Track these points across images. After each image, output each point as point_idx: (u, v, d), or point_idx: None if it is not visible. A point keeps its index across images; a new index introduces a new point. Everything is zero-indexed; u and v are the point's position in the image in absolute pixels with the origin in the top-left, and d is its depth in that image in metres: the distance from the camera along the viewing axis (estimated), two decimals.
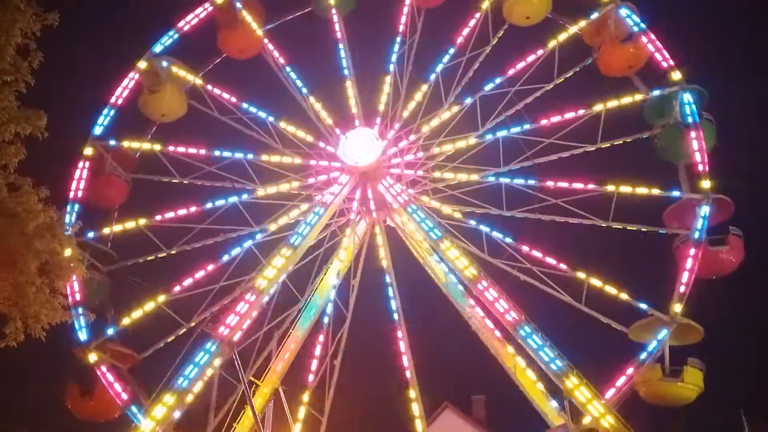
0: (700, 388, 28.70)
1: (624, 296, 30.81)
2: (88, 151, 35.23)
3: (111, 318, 33.22)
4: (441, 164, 35.04)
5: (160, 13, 39.93)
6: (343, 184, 34.37)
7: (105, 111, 36.25)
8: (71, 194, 34.36)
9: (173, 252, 34.74)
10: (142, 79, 36.43)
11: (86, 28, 42.42)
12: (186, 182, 35.76)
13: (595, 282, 31.06)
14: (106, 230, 34.75)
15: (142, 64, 36.50)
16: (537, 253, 31.99)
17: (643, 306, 30.34)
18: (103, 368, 31.55)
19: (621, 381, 29.28)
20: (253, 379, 31.94)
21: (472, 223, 33.53)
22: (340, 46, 36.75)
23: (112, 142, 35.82)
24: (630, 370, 29.41)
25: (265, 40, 37.52)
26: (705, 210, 30.67)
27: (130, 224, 34.85)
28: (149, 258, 34.69)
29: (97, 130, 35.83)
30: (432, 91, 35.60)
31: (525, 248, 32.16)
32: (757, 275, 31.75)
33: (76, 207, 34.20)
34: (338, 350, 32.52)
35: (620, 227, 32.19)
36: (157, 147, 36.16)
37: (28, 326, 17.31)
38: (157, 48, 36.99)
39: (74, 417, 31.27)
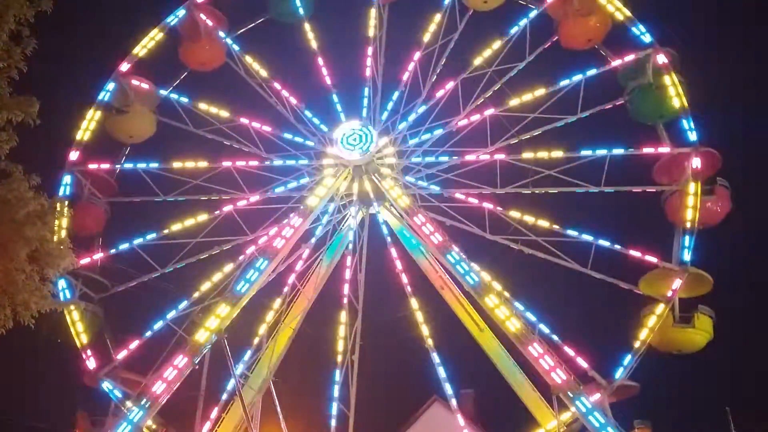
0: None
1: (634, 252, 31.41)
2: (67, 178, 34.44)
3: (112, 345, 32.98)
4: (436, 174, 35.09)
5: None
6: (336, 175, 34.30)
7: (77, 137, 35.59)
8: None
9: (169, 269, 34.42)
10: (111, 98, 35.92)
11: (80, 14, 42.20)
12: (169, 199, 35.27)
13: (604, 242, 31.62)
14: (96, 256, 34.27)
15: (111, 85, 35.95)
16: (544, 222, 32.34)
17: (653, 259, 30.98)
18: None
19: (644, 334, 29.75)
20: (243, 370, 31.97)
21: (475, 201, 33.61)
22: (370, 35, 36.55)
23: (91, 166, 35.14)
24: (651, 321, 29.76)
25: (236, 48, 37.15)
26: (696, 162, 31.38)
27: (123, 246, 34.51)
28: (144, 279, 34.20)
29: (73, 156, 35.04)
30: (411, 82, 35.66)
31: (529, 219, 32.44)
32: (742, 274, 31.85)
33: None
34: (354, 346, 32.62)
35: (612, 190, 32.78)
36: (142, 165, 35.66)
37: (18, 314, 17.25)
38: (124, 68, 36.38)
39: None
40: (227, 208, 34.65)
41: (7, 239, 16.63)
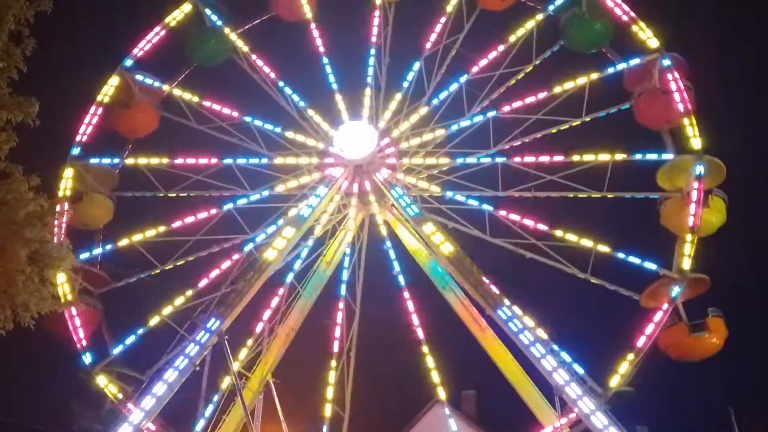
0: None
1: (633, 258, 31.38)
2: (68, 172, 34.39)
3: (110, 340, 32.98)
4: (434, 150, 34.96)
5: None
6: (337, 175, 34.21)
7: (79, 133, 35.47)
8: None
9: (170, 195, 34.76)
10: (114, 94, 35.87)
11: (80, 14, 42.16)
12: (171, 195, 35.29)
13: (603, 248, 31.56)
14: (96, 251, 34.28)
15: (114, 80, 35.95)
16: (543, 226, 32.23)
17: (653, 266, 30.96)
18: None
19: (641, 341, 29.74)
20: (243, 371, 31.87)
21: (474, 203, 33.53)
22: (318, 42, 36.51)
23: (93, 160, 35.07)
24: (649, 329, 29.80)
25: (240, 44, 37.01)
26: (699, 169, 31.14)
27: (123, 242, 34.39)
28: (143, 275, 34.18)
29: (75, 151, 34.92)
30: (416, 81, 35.51)
31: (529, 223, 32.34)
32: (743, 275, 31.80)
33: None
34: (351, 345, 32.44)
35: (614, 196, 32.68)
36: (143, 161, 35.61)
37: (17, 315, 17.19)
38: (128, 62, 36.38)
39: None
40: (228, 206, 34.49)
41: (7, 240, 16.62)
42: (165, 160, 35.34)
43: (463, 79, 35.23)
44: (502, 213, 32.96)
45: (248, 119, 35.54)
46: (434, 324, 35.13)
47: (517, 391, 31.94)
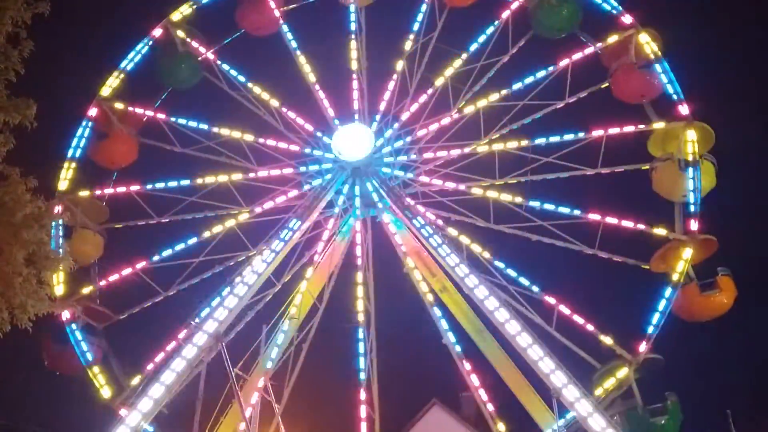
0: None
1: (640, 225, 31.84)
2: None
3: (94, 280, 33.40)
4: (435, 169, 35.03)
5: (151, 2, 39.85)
6: (334, 177, 34.24)
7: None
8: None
9: (165, 220, 34.59)
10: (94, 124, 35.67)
11: (78, 16, 42.14)
12: (183, 151, 35.33)
13: (611, 220, 32.07)
14: (89, 288, 33.92)
15: (93, 111, 35.71)
16: (549, 206, 32.69)
17: (662, 231, 31.55)
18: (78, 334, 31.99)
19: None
20: (240, 373, 31.82)
21: (479, 192, 33.87)
22: (352, 38, 36.44)
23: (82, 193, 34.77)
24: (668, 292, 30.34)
25: (218, 62, 36.91)
26: (691, 134, 31.81)
27: (121, 189, 34.85)
28: (139, 223, 34.70)
29: (62, 185, 34.51)
30: (440, 96, 35.52)
31: (534, 204, 32.77)
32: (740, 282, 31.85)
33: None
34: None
35: (606, 257, 32.58)
36: (161, 116, 35.75)
37: (15, 317, 17.19)
38: (106, 91, 36.11)
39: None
40: (230, 223, 34.31)
41: (4, 242, 16.60)
42: (152, 186, 35.04)
43: (449, 73, 35.47)
44: (505, 198, 33.22)
45: (235, 134, 35.31)
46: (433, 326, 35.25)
47: (515, 393, 31.93)
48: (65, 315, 32.00)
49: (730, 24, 44.37)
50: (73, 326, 32.26)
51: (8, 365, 28.40)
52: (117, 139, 35.80)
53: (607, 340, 31.28)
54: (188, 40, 37.02)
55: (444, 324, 31.91)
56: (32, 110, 17.11)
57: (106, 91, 36.15)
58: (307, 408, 32.59)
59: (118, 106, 35.85)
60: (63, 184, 34.62)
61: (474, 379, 31.19)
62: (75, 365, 32.18)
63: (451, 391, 38.28)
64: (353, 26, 36.65)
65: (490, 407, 30.81)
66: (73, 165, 35.05)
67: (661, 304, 30.82)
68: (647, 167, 33.23)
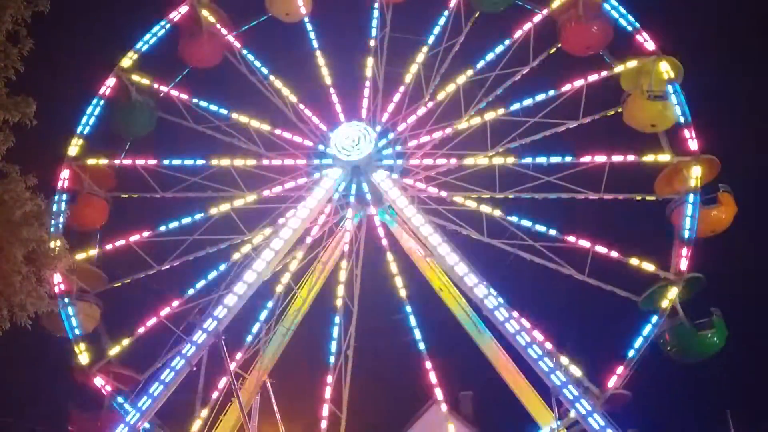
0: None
1: (633, 260, 31.54)
2: (65, 173, 34.21)
3: (105, 341, 32.79)
4: (431, 152, 34.94)
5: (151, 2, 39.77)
6: (333, 178, 34.16)
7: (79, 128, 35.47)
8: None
9: (165, 267, 34.28)
10: (112, 93, 35.89)
11: (78, 14, 42.12)
12: (195, 128, 35.41)
13: (600, 249, 31.63)
14: (93, 251, 33.98)
15: (111, 81, 35.95)
16: (540, 227, 32.27)
17: (651, 267, 31.15)
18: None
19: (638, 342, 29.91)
20: (239, 371, 31.88)
21: (473, 204, 33.52)
22: (311, 35, 36.58)
23: (90, 161, 34.95)
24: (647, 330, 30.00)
25: (237, 44, 36.83)
26: (696, 171, 31.52)
27: (120, 242, 34.30)
28: (140, 276, 34.19)
29: (72, 151, 34.88)
30: (413, 83, 35.41)
31: (526, 223, 32.39)
32: (739, 276, 31.83)
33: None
34: (348, 345, 32.27)
35: (612, 198, 32.80)
36: (140, 162, 35.33)
37: (14, 315, 17.21)
38: (125, 63, 36.34)
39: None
40: (224, 206, 34.40)
41: (4, 240, 16.66)
42: (162, 162, 35.20)
43: (461, 81, 35.19)
44: (498, 213, 32.95)
45: (245, 119, 35.46)
46: (432, 325, 35.29)
47: (515, 392, 31.95)
48: (99, 381, 31.61)
49: None
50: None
51: (8, 364, 28.37)
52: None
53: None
54: (212, 20, 36.93)
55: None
56: (32, 108, 17.18)
57: (126, 62, 36.31)
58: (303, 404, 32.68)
59: (136, 78, 35.95)
60: (73, 150, 34.95)
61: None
62: None
63: (450, 390, 38.47)
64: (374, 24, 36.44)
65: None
66: (80, 142, 35.28)
67: (686, 222, 30.89)
68: (653, 198, 33.17)
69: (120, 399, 31.02)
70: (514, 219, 32.75)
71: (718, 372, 35.35)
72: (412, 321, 32.22)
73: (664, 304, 30.15)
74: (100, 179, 35.06)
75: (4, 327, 17.33)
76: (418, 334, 32.07)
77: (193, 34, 36.83)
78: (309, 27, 37.00)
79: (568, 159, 33.06)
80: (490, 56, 35.24)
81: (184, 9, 36.94)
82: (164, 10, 37.13)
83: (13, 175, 17.15)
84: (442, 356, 33.38)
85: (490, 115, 34.38)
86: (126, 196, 35.70)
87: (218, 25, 37.02)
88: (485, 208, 33.21)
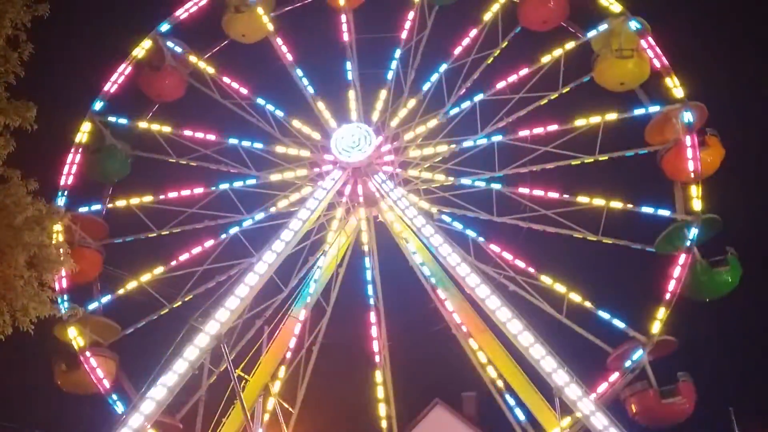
0: (740, 271, 30.64)
1: (603, 314, 31.50)
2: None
3: (96, 294, 33.20)
4: (435, 165, 35.06)
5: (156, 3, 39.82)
6: (335, 178, 34.22)
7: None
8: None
9: (164, 233, 34.48)
10: (147, 56, 36.20)
11: (77, 19, 42.15)
12: (183, 162, 35.40)
13: (575, 297, 31.67)
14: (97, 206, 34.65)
15: (147, 43, 36.26)
16: (520, 263, 32.55)
17: (621, 325, 31.09)
18: (87, 353, 31.59)
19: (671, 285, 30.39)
20: (242, 374, 31.83)
21: (459, 226, 33.66)
22: (345, 38, 36.49)
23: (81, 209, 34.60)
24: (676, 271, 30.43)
25: (271, 29, 36.64)
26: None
27: (121, 202, 34.87)
28: (140, 237, 34.54)
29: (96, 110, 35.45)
30: (435, 92, 35.52)
31: (509, 257, 32.52)
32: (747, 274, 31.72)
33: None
34: (316, 342, 32.82)
35: (610, 242, 32.70)
36: (155, 127, 35.76)
37: (16, 320, 17.19)
38: (163, 28, 36.67)
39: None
40: (233, 229, 34.34)
41: (6, 245, 16.61)
42: (152, 198, 35.02)
43: (443, 70, 35.57)
44: (482, 240, 33.31)
45: (234, 141, 35.33)
46: (434, 326, 35.28)
47: (517, 392, 31.93)
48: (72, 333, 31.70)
49: None
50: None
51: (9, 366, 28.40)
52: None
53: (665, 212, 31.83)
54: (178, 51, 36.82)
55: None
56: (32, 113, 17.14)
57: (98, 105, 36.10)
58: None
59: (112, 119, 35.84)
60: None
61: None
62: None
63: (453, 391, 38.43)
64: (344, 31, 36.56)
65: None
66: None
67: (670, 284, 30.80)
68: (645, 151, 33.65)
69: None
70: (525, 191, 33.23)
71: (722, 370, 35.45)
72: None
73: (682, 243, 30.88)
74: (91, 228, 34.36)
75: (7, 332, 17.32)
76: None
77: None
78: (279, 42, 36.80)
79: (563, 126, 33.68)
80: (513, 78, 35.17)
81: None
82: (126, 47, 36.98)
83: (14, 179, 17.14)
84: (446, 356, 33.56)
85: (478, 97, 34.92)
86: (121, 240, 35.37)
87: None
88: (495, 185, 33.64)
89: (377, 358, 32.46)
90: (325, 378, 33.61)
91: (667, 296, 30.56)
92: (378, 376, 32.26)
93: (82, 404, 32.18)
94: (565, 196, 32.70)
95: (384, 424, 31.83)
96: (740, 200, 36.72)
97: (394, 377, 34.70)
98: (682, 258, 30.85)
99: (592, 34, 34.77)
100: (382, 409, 32.03)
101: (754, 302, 37.90)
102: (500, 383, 32.53)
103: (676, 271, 30.78)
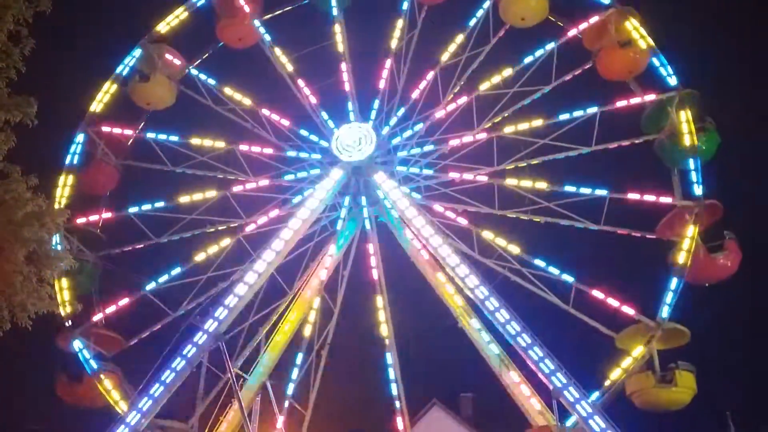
0: (694, 391, 28.81)
1: (611, 301, 30.94)
2: (80, 137, 34.93)
3: (97, 305, 32.94)
4: (435, 162, 35.08)
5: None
6: (335, 178, 34.21)
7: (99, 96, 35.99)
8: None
9: (163, 240, 34.43)
10: (137, 64, 36.19)
11: (80, 15, 42.10)
12: (178, 171, 35.34)
13: (581, 287, 31.33)
14: (95, 217, 34.43)
15: (138, 51, 36.26)
16: (526, 256, 32.31)
17: (630, 311, 30.60)
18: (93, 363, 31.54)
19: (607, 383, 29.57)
20: (240, 372, 31.85)
21: (463, 222, 33.54)
22: (339, 38, 36.45)
23: (105, 128, 35.59)
24: (615, 373, 29.62)
25: (262, 31, 36.82)
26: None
27: (119, 212, 34.86)
28: (138, 246, 34.48)
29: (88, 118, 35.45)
30: (430, 89, 35.49)
31: (515, 249, 32.37)
32: (744, 277, 31.71)
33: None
34: (325, 343, 32.75)
35: (611, 230, 32.45)
36: (150, 135, 35.91)
37: (15, 315, 17.18)
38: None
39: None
40: (221, 191, 34.71)
41: (5, 240, 16.58)
42: (174, 138, 35.71)
43: (437, 69, 35.54)
44: (489, 235, 33.05)
45: (266, 112, 35.71)
46: (433, 327, 35.33)
47: (514, 395, 31.83)
48: (79, 345, 31.74)
49: None
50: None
51: (8, 365, 28.38)
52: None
53: (666, 199, 31.92)
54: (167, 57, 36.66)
55: None
56: (33, 108, 17.15)
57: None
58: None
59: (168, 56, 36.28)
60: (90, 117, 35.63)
61: None
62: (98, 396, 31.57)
63: (451, 392, 38.49)
64: (338, 30, 36.54)
65: None
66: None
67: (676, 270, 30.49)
68: (642, 140, 33.61)
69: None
70: (528, 183, 33.22)
71: (719, 374, 35.44)
72: None
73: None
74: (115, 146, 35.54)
75: (5, 327, 17.31)
76: None
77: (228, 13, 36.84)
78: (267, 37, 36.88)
79: (570, 188, 33.15)
80: (507, 72, 35.18)
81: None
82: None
83: (14, 175, 17.13)
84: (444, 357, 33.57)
85: (474, 94, 34.94)
86: (137, 165, 36.13)
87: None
88: (497, 180, 33.60)
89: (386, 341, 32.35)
90: (335, 377, 33.59)
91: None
92: (389, 358, 32.17)
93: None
94: (567, 187, 32.71)
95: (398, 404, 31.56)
96: (740, 186, 36.92)
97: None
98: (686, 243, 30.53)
99: (584, 26, 34.72)
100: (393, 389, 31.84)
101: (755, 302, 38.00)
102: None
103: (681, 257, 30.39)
